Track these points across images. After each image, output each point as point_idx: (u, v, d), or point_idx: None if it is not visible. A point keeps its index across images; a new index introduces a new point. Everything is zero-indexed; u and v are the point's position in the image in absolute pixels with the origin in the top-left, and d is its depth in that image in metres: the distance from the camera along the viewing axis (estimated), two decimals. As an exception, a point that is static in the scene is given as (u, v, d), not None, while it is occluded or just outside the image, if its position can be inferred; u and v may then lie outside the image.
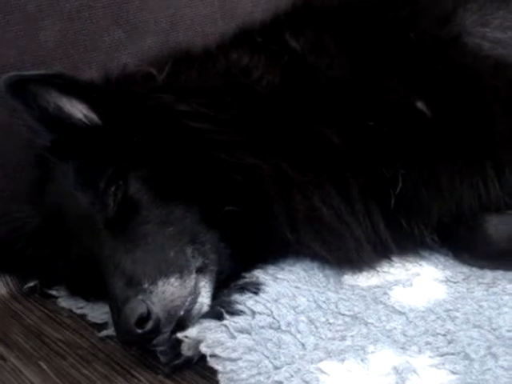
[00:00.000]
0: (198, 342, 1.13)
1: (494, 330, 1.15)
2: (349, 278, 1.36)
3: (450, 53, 1.41)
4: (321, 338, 1.17)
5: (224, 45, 1.56)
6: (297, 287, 1.28)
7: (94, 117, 1.38)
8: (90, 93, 1.39)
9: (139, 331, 1.11)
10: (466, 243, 1.37)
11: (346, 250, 1.33)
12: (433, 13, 1.48)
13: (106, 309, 1.26)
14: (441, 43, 1.42)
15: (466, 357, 1.09)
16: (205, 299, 1.24)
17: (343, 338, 1.17)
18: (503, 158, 1.32)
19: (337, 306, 1.25)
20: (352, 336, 1.17)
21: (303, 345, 1.15)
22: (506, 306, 1.20)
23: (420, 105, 1.35)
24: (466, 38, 1.43)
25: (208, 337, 1.12)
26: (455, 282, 1.31)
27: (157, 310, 1.13)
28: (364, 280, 1.35)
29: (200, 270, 1.25)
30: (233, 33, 1.60)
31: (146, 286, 1.16)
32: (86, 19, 1.71)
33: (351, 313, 1.24)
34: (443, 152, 1.33)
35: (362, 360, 1.10)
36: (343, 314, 1.23)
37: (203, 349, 1.11)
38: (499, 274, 1.31)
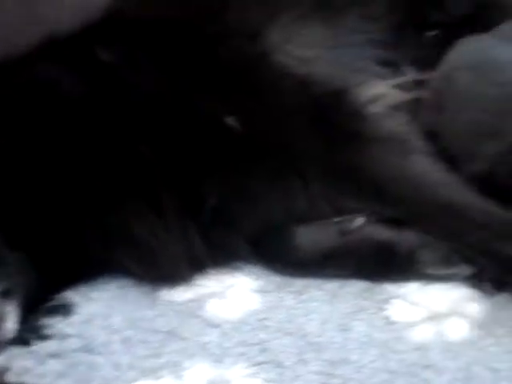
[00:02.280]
0: (6, 369, 1.07)
1: (304, 336, 1.20)
2: (165, 294, 1.34)
3: (258, 70, 1.45)
4: (135, 356, 1.15)
5: (28, 55, 1.47)
6: (110, 306, 1.25)
7: None
8: None
9: None
10: (278, 253, 1.41)
11: (161, 266, 1.31)
12: (244, 28, 1.51)
13: None
14: (249, 59, 1.46)
15: (279, 365, 1.13)
16: (11, 325, 1.16)
17: (159, 356, 1.15)
18: (309, 172, 1.37)
19: (152, 323, 1.23)
20: (168, 352, 1.16)
21: (117, 365, 1.12)
22: (314, 313, 1.26)
23: (230, 120, 1.37)
24: (272, 55, 1.48)
25: (15, 364, 1.08)
26: (268, 292, 1.34)
27: None
28: (180, 295, 1.34)
29: (4, 295, 1.17)
30: (39, 42, 1.52)
31: None
32: None
33: (167, 329, 1.22)
34: (254, 166, 1.37)
35: (177, 376, 1.09)
36: (159, 331, 1.21)
37: (11, 377, 1.05)
38: (308, 281, 1.36)
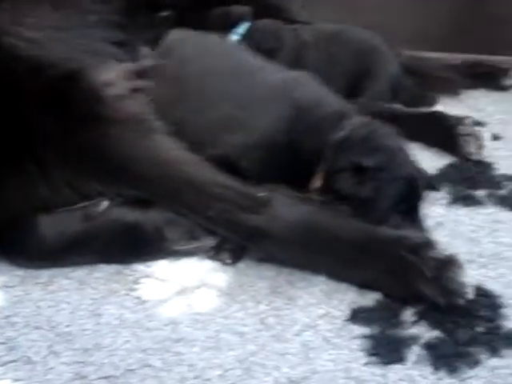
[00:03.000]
0: None
1: (54, 328, 1.17)
2: None
3: None
4: None
5: None
6: None
7: None
8: None
9: None
10: (21, 246, 1.34)
11: None
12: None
13: None
14: None
15: (29, 361, 1.09)
16: None
17: None
18: (45, 155, 1.33)
19: None
20: None
21: None
22: (63, 303, 1.23)
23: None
24: (2, 37, 1.40)
25: None
26: (12, 287, 1.28)
27: None
28: None
29: None
30: None
31: None
32: None
33: None
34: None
35: None
36: None
37: None
38: (55, 271, 1.32)
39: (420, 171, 1.40)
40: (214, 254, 1.35)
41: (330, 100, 1.48)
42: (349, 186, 1.31)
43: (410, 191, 1.33)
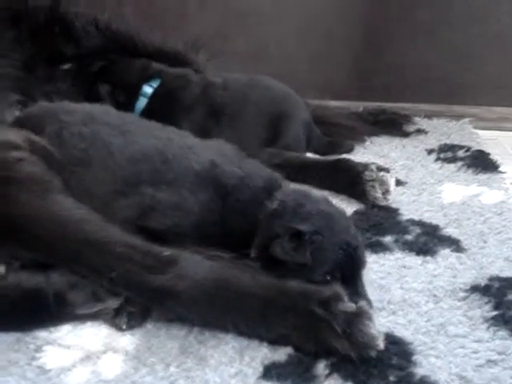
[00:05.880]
0: None
1: None
2: None
3: None
4: None
5: None
6: None
7: None
8: None
9: None
10: None
11: None
12: None
13: None
14: None
15: None
16: None
17: None
18: None
19: None
20: None
21: None
22: None
23: None
24: None
25: None
26: None
27: None
28: None
29: None
30: None
31: None
32: None
33: None
34: None
35: None
36: None
37: None
38: None
39: (358, 236, 1.39)
40: (111, 318, 1.29)
41: (257, 175, 1.48)
42: (286, 252, 1.29)
43: (349, 256, 1.33)
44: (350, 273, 1.33)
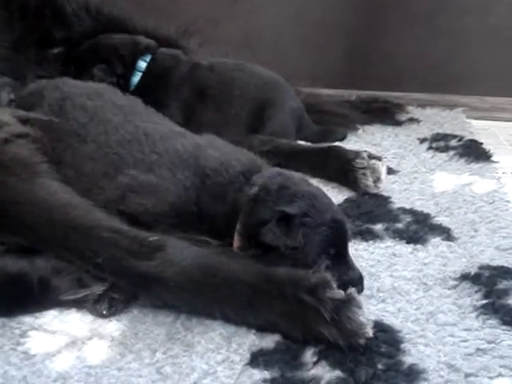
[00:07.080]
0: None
1: None
2: None
3: None
4: None
5: None
6: None
7: None
8: None
9: None
10: None
11: None
12: None
13: None
14: None
15: None
16: None
17: None
18: None
19: None
20: None
21: None
22: None
23: None
24: None
25: None
26: None
27: None
28: None
29: None
30: None
31: None
32: None
33: None
34: None
35: None
36: None
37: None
38: None
39: (342, 213, 1.38)
40: (92, 304, 1.27)
41: (236, 159, 1.45)
42: (277, 237, 1.27)
43: (338, 234, 1.31)
44: (340, 248, 1.32)
